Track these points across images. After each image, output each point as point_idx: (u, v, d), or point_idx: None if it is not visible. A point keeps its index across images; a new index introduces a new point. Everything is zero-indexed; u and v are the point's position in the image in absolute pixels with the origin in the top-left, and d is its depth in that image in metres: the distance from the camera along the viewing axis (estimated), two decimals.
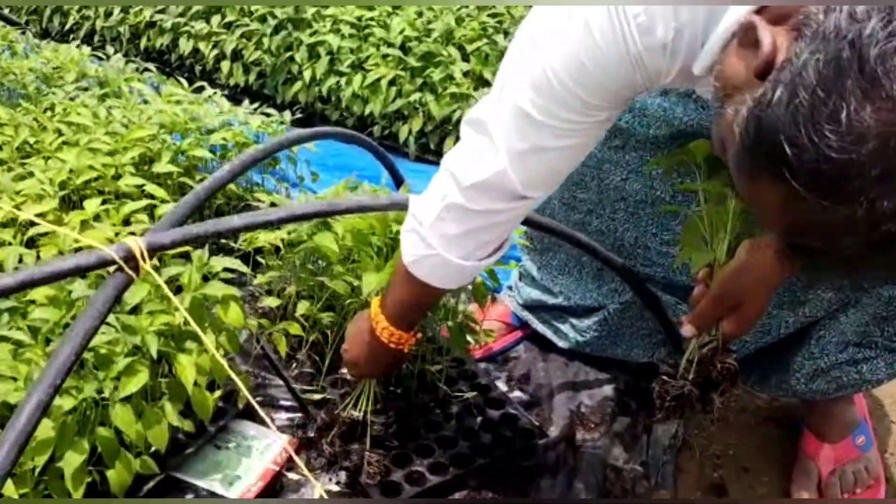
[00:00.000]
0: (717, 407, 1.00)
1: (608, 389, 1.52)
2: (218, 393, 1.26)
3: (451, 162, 0.96)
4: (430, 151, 2.47)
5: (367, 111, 2.53)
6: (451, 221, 0.96)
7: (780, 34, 0.62)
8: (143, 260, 0.84)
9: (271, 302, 1.38)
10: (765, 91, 0.60)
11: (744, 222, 0.97)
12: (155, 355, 1.08)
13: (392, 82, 2.50)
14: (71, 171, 1.48)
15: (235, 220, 0.96)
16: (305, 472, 1.02)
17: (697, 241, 1.01)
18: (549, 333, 1.60)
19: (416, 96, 2.44)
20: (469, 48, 2.53)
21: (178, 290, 1.21)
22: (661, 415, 1.03)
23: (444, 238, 0.98)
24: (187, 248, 1.32)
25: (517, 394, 1.51)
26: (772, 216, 0.65)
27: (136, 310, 1.17)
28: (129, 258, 0.85)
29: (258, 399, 1.42)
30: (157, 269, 1.27)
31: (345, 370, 1.26)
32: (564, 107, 0.82)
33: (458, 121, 2.34)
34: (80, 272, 0.83)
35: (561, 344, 1.58)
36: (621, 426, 1.44)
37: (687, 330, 1.00)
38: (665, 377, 1.02)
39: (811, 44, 0.57)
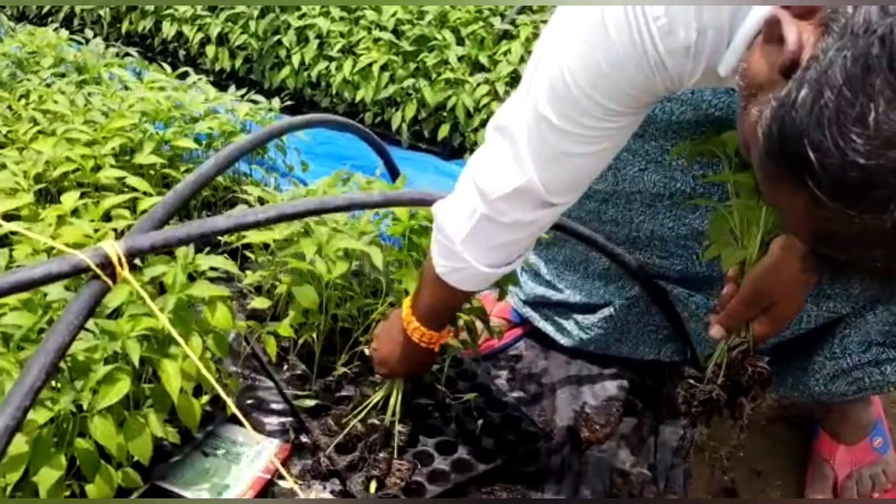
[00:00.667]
0: (747, 413, 0.95)
1: (613, 388, 1.47)
2: (205, 398, 1.19)
3: (477, 172, 0.93)
4: (423, 139, 2.40)
5: (358, 97, 2.45)
6: (483, 236, 0.95)
7: (806, 29, 0.57)
8: (121, 266, 0.77)
9: (260, 303, 1.31)
10: (789, 91, 0.56)
11: (777, 217, 0.92)
12: (137, 363, 1.01)
13: (384, 67, 2.42)
14: (47, 162, 1.40)
15: (221, 222, 0.88)
16: (291, 482, 0.96)
17: (726, 237, 0.96)
18: (551, 331, 1.54)
19: (409, 82, 2.37)
20: (464, 31, 2.45)
21: (163, 290, 1.14)
22: (687, 420, 0.98)
23: (475, 252, 0.97)
24: None
25: (518, 393, 1.45)
26: (797, 222, 0.61)
27: (116, 313, 1.10)
28: (106, 264, 0.77)
29: (248, 402, 1.36)
30: (137, 268, 1.21)
31: (342, 371, 1.20)
32: (583, 112, 0.78)
33: (453, 108, 2.27)
34: (52, 281, 0.76)
35: (564, 342, 1.52)
36: (627, 427, 1.38)
37: (715, 331, 0.96)
38: (691, 381, 0.97)
39: (839, 40, 0.53)
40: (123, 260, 0.77)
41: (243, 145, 1.16)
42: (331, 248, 1.10)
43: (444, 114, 2.32)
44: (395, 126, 2.40)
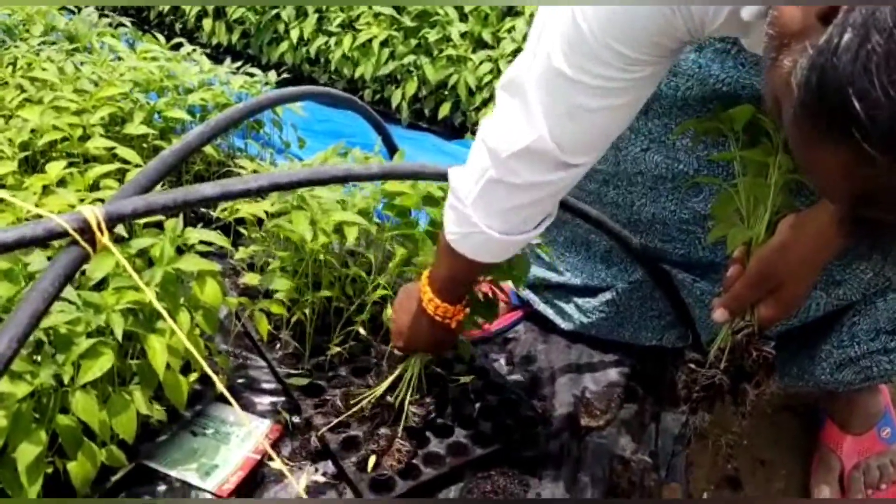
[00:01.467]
0: (750, 399, 0.91)
1: (614, 374, 1.43)
2: (193, 376, 1.16)
3: (487, 131, 0.89)
4: (423, 118, 2.35)
5: (357, 74, 2.40)
6: (493, 198, 0.90)
7: None
8: (101, 232, 0.73)
9: (252, 279, 1.27)
10: (829, 37, 0.51)
11: (786, 196, 0.88)
12: (120, 336, 0.97)
13: (384, 43, 2.37)
14: (33, 130, 1.36)
15: (208, 189, 0.84)
16: (280, 464, 0.93)
17: (732, 217, 0.92)
18: (551, 314, 1.50)
19: (409, 58, 2.31)
20: (467, 7, 2.39)
21: (150, 265, 1.10)
22: (688, 406, 0.95)
23: (486, 215, 0.92)
24: (160, 217, 1.21)
25: (516, 377, 1.41)
26: (835, 184, 0.56)
27: (101, 285, 1.05)
28: (85, 230, 0.73)
29: (239, 381, 1.32)
30: (122, 240, 1.16)
31: (336, 351, 1.16)
32: (600, 62, 0.73)
33: (455, 86, 2.22)
34: (25, 245, 0.71)
35: (564, 325, 1.48)
36: (628, 414, 1.35)
37: (719, 314, 0.92)
38: (693, 365, 0.93)
39: None
40: (104, 225, 0.72)
41: (234, 114, 1.11)
42: (325, 222, 1.06)
43: (446, 92, 2.27)
44: (394, 104, 2.35)
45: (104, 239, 0.73)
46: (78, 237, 0.72)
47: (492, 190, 0.90)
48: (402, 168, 1.00)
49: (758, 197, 0.91)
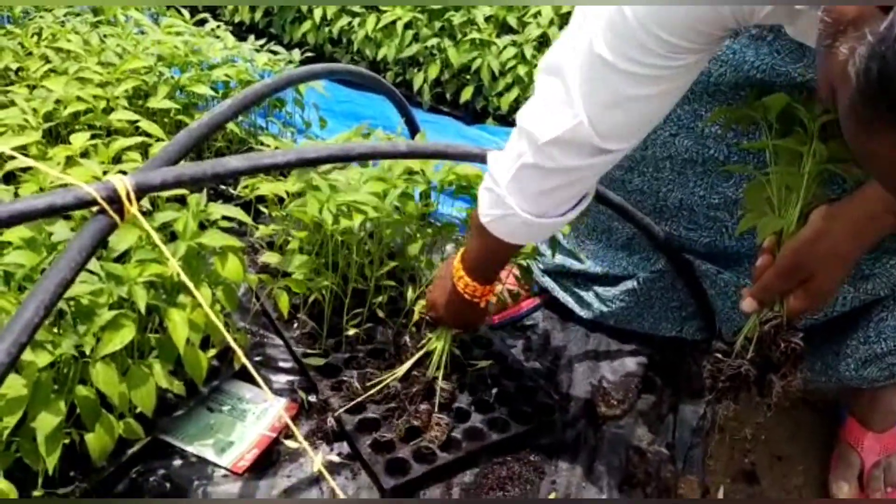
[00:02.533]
0: (776, 391, 0.90)
1: (632, 364, 1.42)
2: (212, 352, 1.16)
3: (526, 116, 0.88)
4: (445, 102, 2.33)
5: (379, 55, 2.38)
6: (528, 181, 0.90)
7: None
8: (129, 202, 0.72)
9: (271, 258, 1.26)
10: (890, 24, 0.50)
11: (818, 186, 0.86)
12: (143, 309, 0.96)
13: (408, 25, 2.34)
14: (57, 101, 1.35)
15: (236, 162, 0.83)
16: (300, 439, 0.92)
17: (762, 206, 0.90)
18: (570, 302, 1.49)
19: (433, 41, 2.29)
20: None
21: (172, 239, 1.10)
22: (713, 396, 0.94)
23: (520, 198, 0.92)
24: (183, 192, 1.21)
25: (533, 364, 1.40)
26: (894, 174, 0.55)
27: (124, 257, 1.05)
28: (114, 199, 0.72)
29: (256, 359, 1.32)
30: (147, 213, 1.16)
31: (353, 333, 1.16)
32: (644, 50, 0.72)
33: (478, 70, 2.20)
34: (55, 213, 0.71)
35: (583, 314, 1.47)
36: (646, 404, 1.34)
37: (747, 304, 0.92)
38: (719, 355, 0.92)
39: None
40: (132, 195, 0.72)
41: (261, 89, 1.10)
42: (333, 203, 1.04)
43: (468, 76, 2.25)
44: (416, 87, 2.33)
45: (133, 209, 0.72)
46: (107, 206, 0.71)
47: (526, 173, 0.89)
48: (428, 147, 0.99)
49: (790, 186, 0.89)
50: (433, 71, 2.28)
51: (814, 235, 0.86)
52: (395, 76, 2.41)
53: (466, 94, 2.23)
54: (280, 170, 0.89)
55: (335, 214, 1.03)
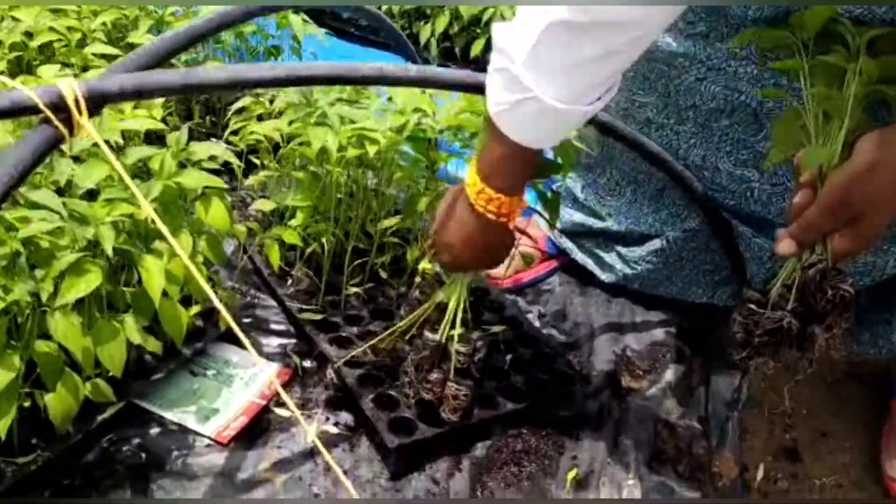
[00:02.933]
0: (820, 346, 0.78)
1: (659, 332, 1.30)
2: (195, 309, 1.03)
3: None
4: (453, 57, 2.19)
5: (384, 7, 2.23)
6: (554, 49, 0.72)
7: None
8: (80, 112, 0.59)
9: (263, 205, 1.14)
10: None
11: (867, 109, 0.74)
12: (110, 250, 0.84)
13: None
14: (27, 33, 1.22)
15: (216, 72, 0.70)
16: (292, 407, 0.80)
17: (797, 137, 0.77)
18: (590, 264, 1.36)
19: None
20: None
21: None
22: (746, 353, 0.81)
23: (543, 73, 0.74)
24: (161, 126, 1.08)
25: (550, 331, 1.28)
26: None
27: (92, 196, 0.93)
28: (60, 107, 0.59)
29: (245, 320, 1.20)
30: (120, 150, 1.03)
31: (353, 291, 1.02)
32: None
33: (489, 21, 2.05)
34: None
35: (604, 277, 1.34)
36: (674, 375, 1.21)
37: (785, 245, 0.79)
38: (753, 305, 0.79)
39: None
40: (83, 104, 0.59)
41: (254, 7, 0.97)
42: (344, 134, 0.91)
43: (479, 29, 2.10)
44: (423, 40, 2.19)
45: (83, 119, 0.59)
46: (50, 114, 0.58)
47: (552, 39, 0.72)
48: (443, 76, 0.86)
49: (830, 111, 0.76)
50: (441, 23, 2.13)
51: (866, 167, 0.74)
52: (400, 29, 2.26)
53: (477, 48, 2.09)
54: (266, 87, 0.76)
55: (344, 146, 0.89)
